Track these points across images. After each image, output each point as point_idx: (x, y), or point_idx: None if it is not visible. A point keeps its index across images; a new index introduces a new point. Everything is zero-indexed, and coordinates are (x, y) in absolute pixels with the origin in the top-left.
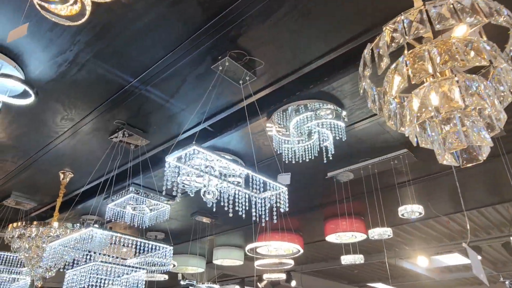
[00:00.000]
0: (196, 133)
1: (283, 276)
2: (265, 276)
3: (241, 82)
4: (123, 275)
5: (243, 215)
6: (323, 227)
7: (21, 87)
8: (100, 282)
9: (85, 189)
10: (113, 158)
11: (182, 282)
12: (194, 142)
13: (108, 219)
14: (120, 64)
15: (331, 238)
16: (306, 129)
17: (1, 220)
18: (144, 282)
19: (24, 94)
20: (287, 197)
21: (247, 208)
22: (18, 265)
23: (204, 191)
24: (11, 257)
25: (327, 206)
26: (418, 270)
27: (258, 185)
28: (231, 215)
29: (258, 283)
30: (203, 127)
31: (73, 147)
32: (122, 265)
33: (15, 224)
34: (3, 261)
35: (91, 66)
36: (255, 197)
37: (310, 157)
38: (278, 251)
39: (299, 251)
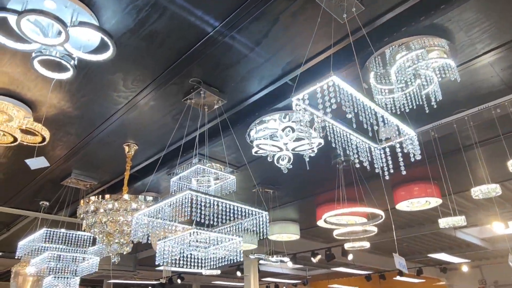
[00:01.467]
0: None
1: (367, 244)
2: (347, 245)
3: (345, 16)
4: (217, 244)
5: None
6: (391, 194)
7: (96, 40)
8: (194, 252)
9: (144, 165)
10: (179, 127)
11: (251, 257)
12: (331, 72)
13: (173, 193)
14: (206, 4)
15: (401, 206)
16: (408, 73)
17: (63, 202)
18: (241, 252)
19: (99, 49)
20: (417, 143)
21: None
22: (86, 244)
23: (279, 157)
24: (79, 236)
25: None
26: (473, 240)
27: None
28: (358, 165)
29: (312, 258)
30: (284, 81)
31: (139, 116)
32: (218, 232)
33: (90, 198)
34: (70, 241)
35: (174, 9)
36: (376, 147)
37: (411, 106)
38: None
39: (382, 217)
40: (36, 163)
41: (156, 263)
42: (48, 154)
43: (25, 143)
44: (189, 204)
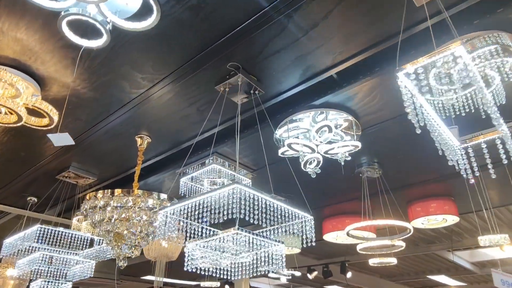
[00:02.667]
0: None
1: (394, 260)
2: (373, 261)
3: None
4: (258, 249)
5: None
6: (405, 210)
7: (136, 5)
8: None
9: (151, 162)
10: (201, 120)
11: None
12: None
13: (182, 195)
14: None
15: (416, 223)
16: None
17: (55, 199)
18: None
19: (138, 16)
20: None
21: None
22: (83, 246)
23: (307, 161)
24: (77, 236)
25: (413, 186)
26: (465, 264)
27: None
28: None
29: (308, 274)
30: (329, 74)
31: (159, 103)
32: (260, 235)
33: (99, 193)
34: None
35: None
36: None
37: (466, 109)
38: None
39: (410, 231)
40: (60, 139)
41: (185, 269)
42: (49, 141)
43: (28, 125)
44: (238, 200)
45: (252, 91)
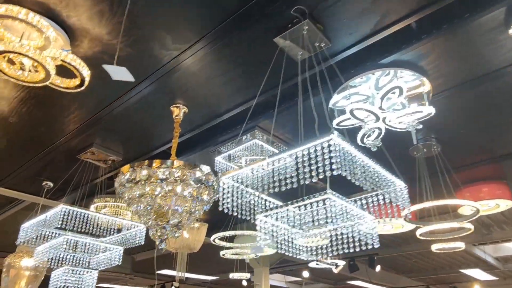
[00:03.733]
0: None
1: (462, 245)
2: (435, 246)
3: None
4: (345, 222)
5: None
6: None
7: None
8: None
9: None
10: (250, 85)
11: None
12: None
13: None
14: None
15: (465, 209)
16: None
17: (77, 182)
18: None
19: None
20: None
21: None
22: (111, 232)
23: (365, 133)
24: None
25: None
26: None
27: None
28: None
29: (333, 268)
30: (411, 21)
31: (202, 65)
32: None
33: (137, 164)
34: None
35: None
36: None
37: None
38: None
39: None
40: (119, 72)
41: (261, 244)
42: (71, 113)
43: (54, 87)
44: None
45: (317, 44)
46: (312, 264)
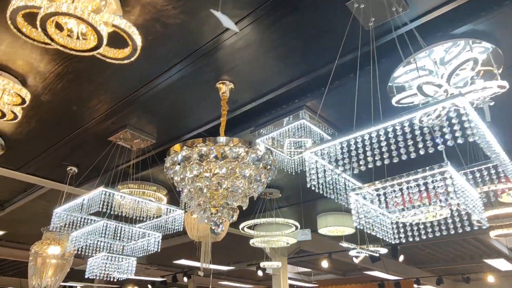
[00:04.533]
0: None
1: None
2: (493, 233)
3: None
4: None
5: None
6: None
7: None
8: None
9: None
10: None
11: (343, 245)
12: None
13: None
14: None
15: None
16: None
17: (106, 166)
18: None
19: None
20: None
21: None
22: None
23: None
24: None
25: None
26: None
27: None
28: None
29: (354, 258)
30: None
31: (257, 36)
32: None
33: (190, 142)
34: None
35: None
36: None
37: None
38: None
39: None
40: (225, 20)
41: (355, 225)
42: (108, 91)
43: (100, 57)
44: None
45: (394, 8)
46: (352, 253)
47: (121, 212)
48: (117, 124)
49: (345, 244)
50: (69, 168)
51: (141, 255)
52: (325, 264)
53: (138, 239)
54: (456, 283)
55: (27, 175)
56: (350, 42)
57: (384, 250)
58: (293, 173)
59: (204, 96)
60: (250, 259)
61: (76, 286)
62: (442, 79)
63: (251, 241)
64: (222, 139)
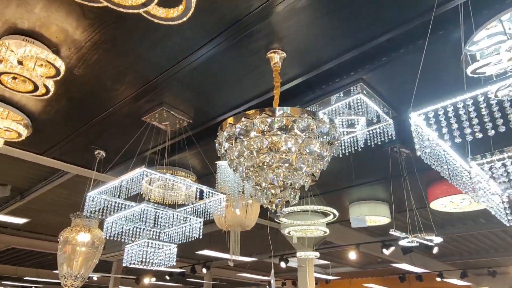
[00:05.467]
0: None
1: None
2: None
3: None
4: None
5: None
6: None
7: None
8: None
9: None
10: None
11: (394, 233)
12: None
13: None
14: None
15: (436, 204)
16: None
17: (136, 149)
18: None
19: None
20: None
21: None
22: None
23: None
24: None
25: None
26: None
27: None
28: None
29: (384, 249)
30: None
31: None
32: None
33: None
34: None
35: None
36: None
37: None
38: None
39: None
40: None
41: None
42: (147, 63)
43: (148, 17)
44: None
45: None
46: (403, 242)
47: (148, 199)
48: (152, 103)
49: (396, 233)
50: (96, 152)
51: (182, 242)
52: (352, 255)
53: (178, 225)
54: (479, 277)
55: (52, 160)
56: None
57: (439, 239)
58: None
59: (252, 68)
60: (273, 250)
61: (92, 277)
62: None
63: (287, 230)
64: (287, 109)
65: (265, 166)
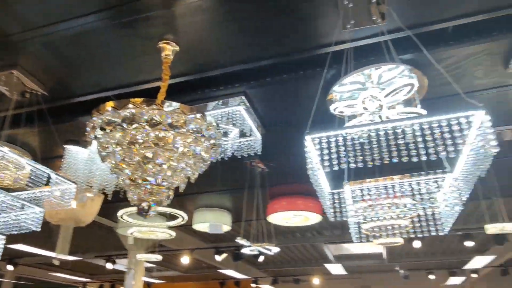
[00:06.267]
0: None
1: (400, 240)
2: (378, 242)
3: None
4: None
5: None
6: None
7: None
8: None
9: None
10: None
11: (240, 241)
12: None
13: None
14: None
15: (275, 218)
16: None
17: None
18: None
19: None
20: None
21: None
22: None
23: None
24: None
25: None
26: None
27: None
28: None
29: (217, 256)
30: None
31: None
32: None
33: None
34: None
35: None
36: None
37: None
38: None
39: None
40: None
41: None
42: (14, 11)
43: None
44: None
45: (374, 17)
46: (246, 250)
47: None
48: (2, 61)
49: (242, 241)
50: None
51: (14, 232)
52: (185, 260)
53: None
54: (286, 284)
55: None
56: (318, 37)
57: (276, 249)
58: None
59: (139, 54)
60: (99, 250)
61: None
62: (381, 96)
63: (130, 230)
64: (178, 105)
65: (145, 161)
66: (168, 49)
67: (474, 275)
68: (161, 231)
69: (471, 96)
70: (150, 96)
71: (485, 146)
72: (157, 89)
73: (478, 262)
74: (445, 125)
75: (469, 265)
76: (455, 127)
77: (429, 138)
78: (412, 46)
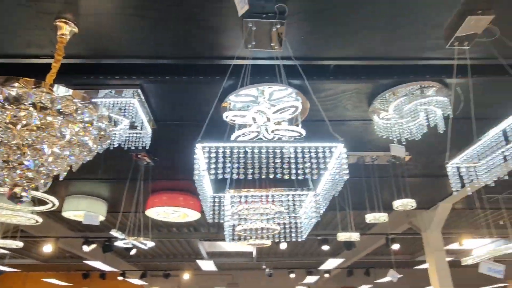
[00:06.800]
0: None
1: (268, 242)
2: (247, 242)
3: None
4: None
5: None
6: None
7: None
8: None
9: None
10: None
11: (114, 234)
12: None
13: None
14: None
15: (152, 212)
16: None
17: None
18: None
19: None
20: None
21: None
22: None
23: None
24: None
25: None
26: (204, 253)
27: None
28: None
29: (85, 246)
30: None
31: None
32: None
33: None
34: None
35: None
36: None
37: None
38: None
39: None
40: None
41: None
42: None
43: None
44: None
45: (273, 44)
46: (120, 243)
47: None
48: None
49: (116, 234)
50: None
51: None
52: (48, 248)
53: None
54: (154, 278)
55: None
56: (222, 49)
57: (151, 243)
58: None
59: (31, 27)
60: None
61: None
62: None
63: None
64: (69, 91)
65: (25, 144)
66: (66, 29)
67: (327, 275)
68: (26, 216)
69: (342, 123)
70: (36, 71)
71: (340, 173)
72: (45, 66)
73: (331, 263)
74: (313, 152)
75: (324, 266)
76: (320, 154)
77: (300, 160)
78: (301, 74)
